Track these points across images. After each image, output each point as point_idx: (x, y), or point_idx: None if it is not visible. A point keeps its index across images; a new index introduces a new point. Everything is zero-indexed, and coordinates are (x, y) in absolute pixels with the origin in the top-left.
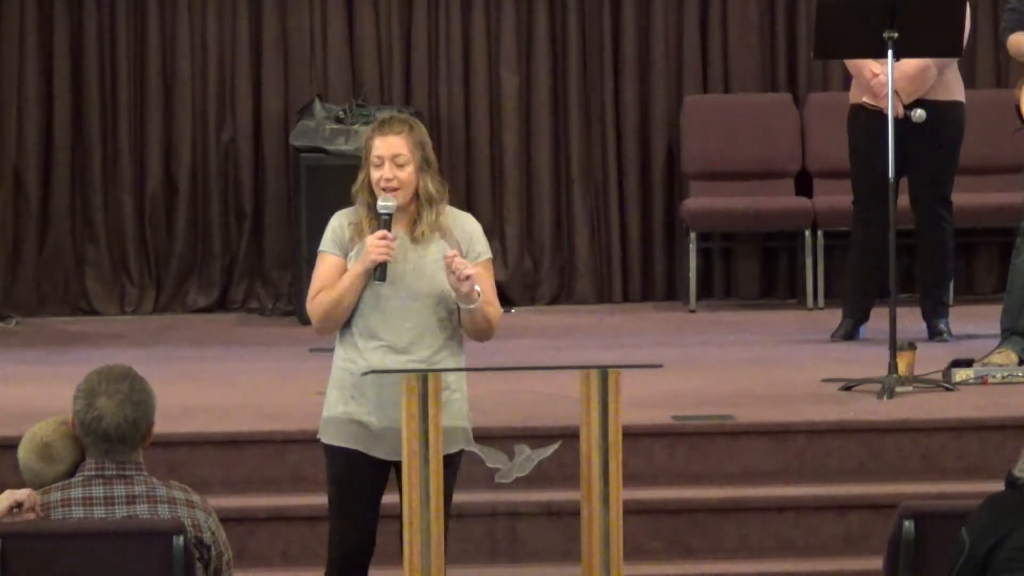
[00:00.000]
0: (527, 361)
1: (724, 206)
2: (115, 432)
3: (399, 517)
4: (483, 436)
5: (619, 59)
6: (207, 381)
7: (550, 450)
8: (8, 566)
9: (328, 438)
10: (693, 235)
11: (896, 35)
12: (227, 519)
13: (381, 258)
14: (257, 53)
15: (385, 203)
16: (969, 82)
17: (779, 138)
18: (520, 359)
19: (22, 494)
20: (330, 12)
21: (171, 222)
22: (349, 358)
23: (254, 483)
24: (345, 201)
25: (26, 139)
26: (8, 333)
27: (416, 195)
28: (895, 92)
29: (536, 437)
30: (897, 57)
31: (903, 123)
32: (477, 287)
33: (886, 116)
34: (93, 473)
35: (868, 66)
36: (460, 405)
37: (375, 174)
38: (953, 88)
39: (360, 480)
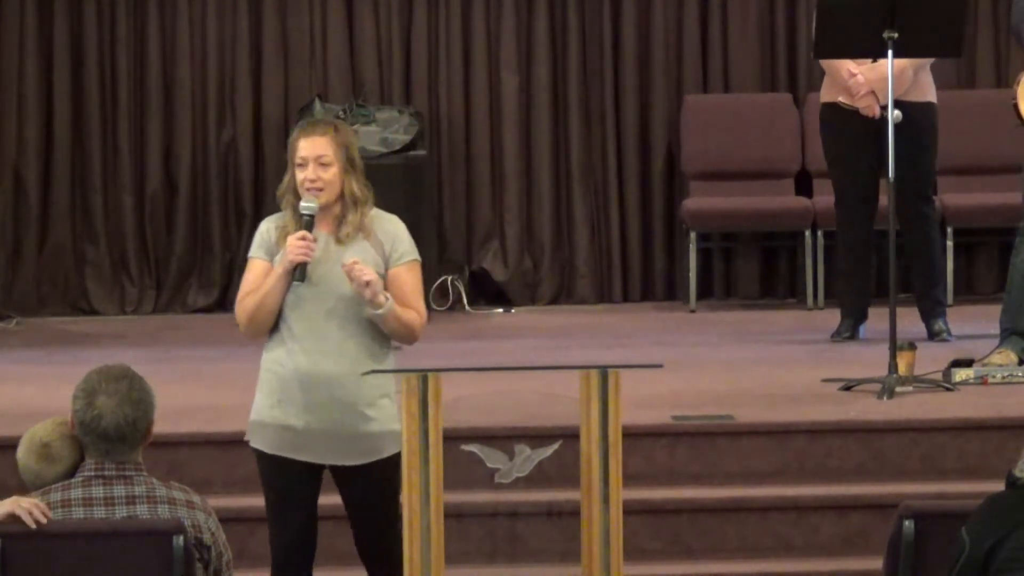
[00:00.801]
0: (527, 361)
1: (724, 206)
2: (115, 431)
3: (343, 518)
4: (483, 436)
5: (619, 59)
6: (207, 381)
7: (550, 450)
8: (8, 566)
9: (256, 443)
10: (693, 235)
11: (896, 35)
12: (227, 519)
13: (300, 258)
14: (257, 53)
15: (307, 204)
16: (969, 82)
17: (779, 138)
18: (520, 359)
19: (28, 503)
20: (330, 12)
21: (171, 222)
22: (276, 360)
23: (254, 483)
24: None
25: (26, 139)
26: (8, 333)
27: (341, 196)
28: (872, 92)
29: (536, 437)
30: (897, 57)
31: (880, 124)
32: (386, 293)
33: (862, 116)
34: (93, 474)
35: (845, 65)
36: (389, 409)
37: (299, 175)
38: (926, 89)
39: (291, 485)
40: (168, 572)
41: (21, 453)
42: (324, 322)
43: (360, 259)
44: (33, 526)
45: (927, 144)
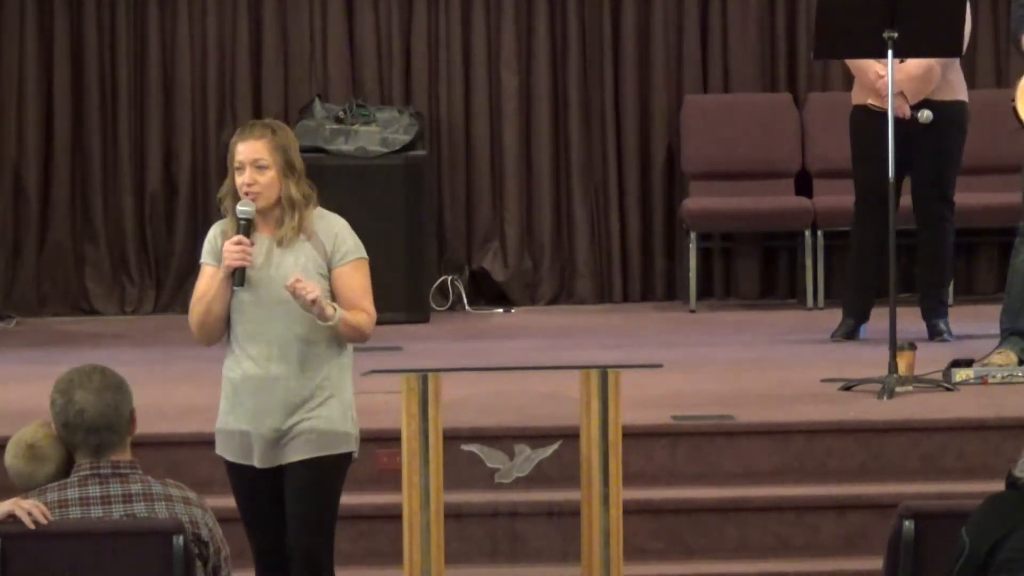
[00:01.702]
0: (527, 361)
1: (724, 206)
2: (101, 420)
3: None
4: (483, 436)
5: (619, 59)
6: (207, 381)
7: (550, 450)
8: (8, 566)
9: (220, 450)
10: (693, 235)
11: (896, 35)
12: (227, 519)
13: (237, 263)
14: (257, 53)
15: (243, 208)
16: (969, 82)
17: (779, 138)
18: (520, 359)
19: (28, 503)
20: (330, 12)
21: (171, 222)
22: (228, 367)
23: None
24: (345, 201)
25: (26, 139)
26: (8, 333)
27: (280, 200)
28: (901, 93)
29: (536, 437)
30: (897, 57)
31: (908, 124)
32: (332, 304)
33: (895, 117)
34: (89, 472)
35: (872, 67)
36: (337, 408)
37: (238, 179)
38: (956, 88)
39: (255, 490)
40: (168, 572)
41: (9, 459)
42: (267, 325)
43: (302, 261)
44: (32, 527)
45: (953, 144)
